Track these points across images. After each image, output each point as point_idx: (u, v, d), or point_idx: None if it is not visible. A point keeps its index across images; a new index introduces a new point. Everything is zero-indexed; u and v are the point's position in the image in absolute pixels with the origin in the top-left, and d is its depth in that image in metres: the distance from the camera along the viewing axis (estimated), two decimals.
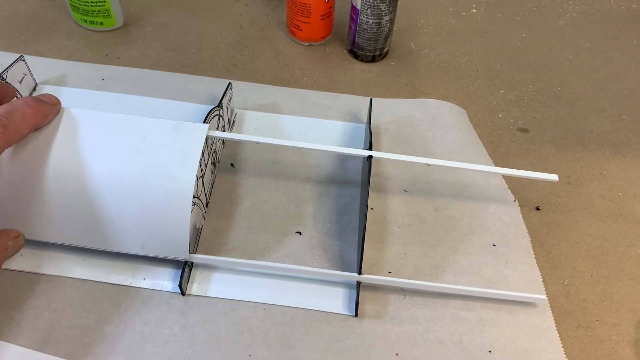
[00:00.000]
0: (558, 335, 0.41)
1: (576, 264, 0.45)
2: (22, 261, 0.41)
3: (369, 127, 0.47)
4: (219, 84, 0.54)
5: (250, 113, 0.52)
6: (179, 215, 0.38)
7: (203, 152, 0.40)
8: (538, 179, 0.45)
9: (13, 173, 0.38)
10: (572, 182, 0.50)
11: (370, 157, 0.42)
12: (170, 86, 0.54)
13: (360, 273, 0.40)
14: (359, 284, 0.41)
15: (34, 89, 0.52)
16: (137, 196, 0.38)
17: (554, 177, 0.44)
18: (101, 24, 0.58)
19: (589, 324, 0.42)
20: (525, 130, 0.53)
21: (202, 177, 0.42)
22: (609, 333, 0.41)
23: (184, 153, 0.39)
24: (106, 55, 0.56)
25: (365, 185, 0.41)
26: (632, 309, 0.43)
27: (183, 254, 0.40)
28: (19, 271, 0.41)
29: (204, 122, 0.41)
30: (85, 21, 0.58)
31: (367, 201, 0.40)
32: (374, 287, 0.42)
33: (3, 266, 0.41)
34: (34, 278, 0.41)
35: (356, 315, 0.40)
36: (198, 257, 0.41)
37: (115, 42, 0.58)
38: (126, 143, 0.39)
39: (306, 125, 0.51)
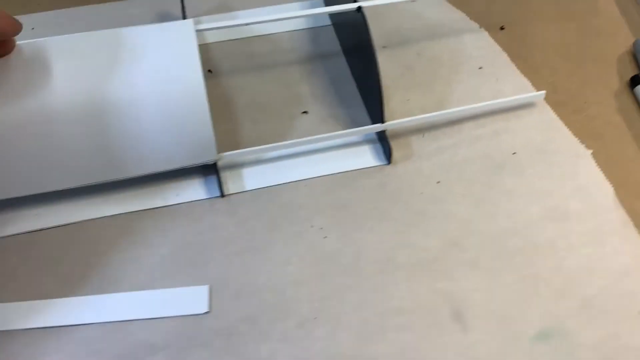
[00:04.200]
0: (562, 122, 0.45)
1: (553, 64, 0.49)
2: (48, 218, 0.38)
3: None
4: (162, 1, 0.51)
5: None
6: (199, 115, 0.37)
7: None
8: None
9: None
10: None
11: (359, 7, 0.41)
12: (111, 17, 0.50)
13: (383, 121, 0.41)
14: (383, 132, 0.42)
15: None
16: (149, 110, 0.36)
17: None
18: None
19: (581, 107, 0.46)
20: None
21: None
22: (598, 109, 0.46)
23: (180, 52, 0.37)
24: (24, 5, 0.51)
25: (366, 41, 0.41)
26: (606, 86, 0.48)
27: (211, 155, 0.38)
28: (56, 226, 0.38)
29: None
30: None
31: (373, 52, 0.40)
32: (393, 136, 0.43)
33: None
34: (71, 229, 0.38)
35: (389, 162, 0.42)
36: (228, 154, 0.40)
37: None
38: (115, 58, 0.36)
39: (271, 12, 0.50)
